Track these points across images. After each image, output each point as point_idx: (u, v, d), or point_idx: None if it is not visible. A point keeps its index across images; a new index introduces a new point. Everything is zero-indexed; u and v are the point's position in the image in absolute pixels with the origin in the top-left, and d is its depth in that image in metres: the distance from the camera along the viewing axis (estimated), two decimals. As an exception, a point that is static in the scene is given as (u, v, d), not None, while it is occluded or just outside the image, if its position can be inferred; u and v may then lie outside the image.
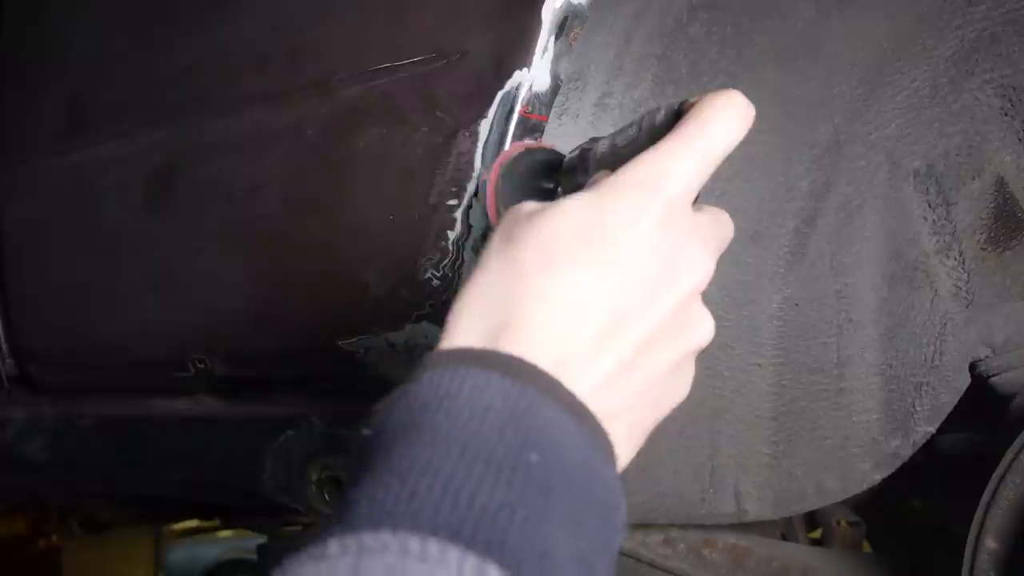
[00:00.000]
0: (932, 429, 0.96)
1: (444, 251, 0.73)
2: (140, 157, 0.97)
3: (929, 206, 0.94)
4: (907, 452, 0.97)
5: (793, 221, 0.91)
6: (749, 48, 0.84)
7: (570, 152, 0.60)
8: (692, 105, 0.50)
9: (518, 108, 0.70)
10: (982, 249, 0.96)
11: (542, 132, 0.72)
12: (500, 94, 0.71)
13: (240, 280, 0.88)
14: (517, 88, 0.71)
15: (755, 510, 0.97)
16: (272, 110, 0.85)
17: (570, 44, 0.71)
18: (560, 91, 0.72)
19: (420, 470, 0.39)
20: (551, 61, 0.71)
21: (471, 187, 0.72)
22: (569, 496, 0.41)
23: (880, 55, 0.88)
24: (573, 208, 0.48)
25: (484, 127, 0.71)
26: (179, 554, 2.95)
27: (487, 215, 0.65)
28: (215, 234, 0.90)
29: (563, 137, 0.75)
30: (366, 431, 0.44)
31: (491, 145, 0.71)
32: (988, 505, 0.88)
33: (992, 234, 0.96)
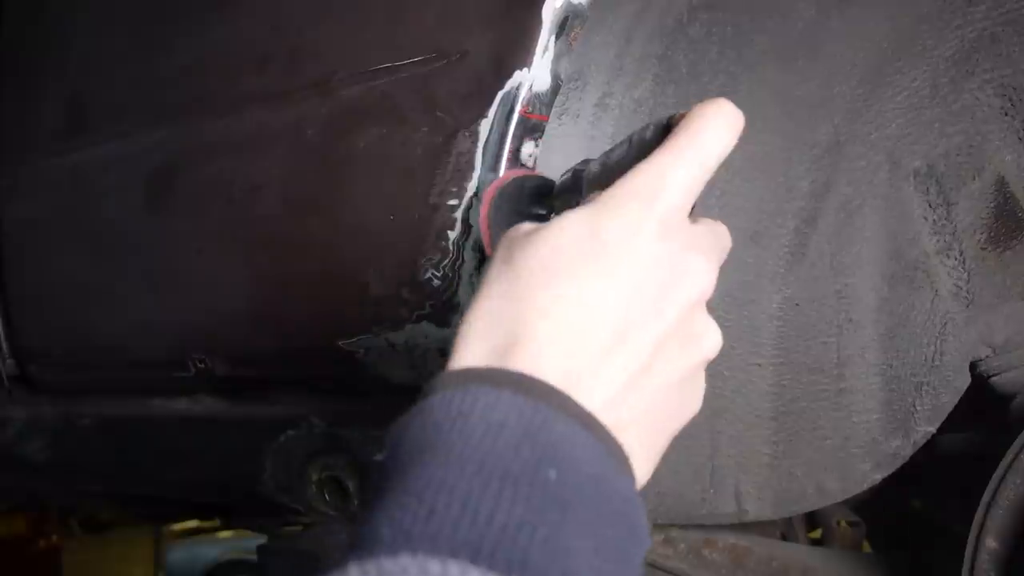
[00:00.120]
0: (932, 429, 0.96)
1: (444, 251, 0.72)
2: (140, 157, 0.97)
3: (929, 206, 0.94)
4: (907, 452, 0.96)
5: (793, 221, 0.91)
6: (749, 48, 0.84)
7: (562, 175, 0.60)
8: (681, 118, 0.50)
9: (518, 108, 0.70)
10: (982, 249, 0.96)
11: (542, 132, 0.72)
12: (500, 94, 0.71)
13: (240, 280, 0.88)
14: (517, 88, 0.71)
15: (755, 510, 0.97)
16: (272, 110, 0.85)
17: (570, 44, 0.71)
18: (560, 91, 0.72)
19: (436, 488, 0.38)
20: (551, 61, 0.71)
21: (471, 187, 0.72)
22: (587, 511, 0.40)
23: (880, 55, 0.88)
24: (571, 224, 0.48)
25: (484, 127, 0.71)
26: (179, 554, 2.95)
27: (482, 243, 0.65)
28: (215, 234, 0.90)
29: (563, 137, 0.75)
30: (379, 456, 0.43)
31: (491, 145, 0.71)
32: (988, 505, 0.88)
33: (992, 234, 0.96)
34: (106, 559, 2.85)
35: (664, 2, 0.78)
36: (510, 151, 0.70)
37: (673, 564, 1.09)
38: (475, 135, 0.72)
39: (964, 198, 0.95)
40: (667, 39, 0.79)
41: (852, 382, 0.95)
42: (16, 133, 1.13)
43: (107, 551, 2.86)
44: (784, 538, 1.19)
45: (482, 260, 0.71)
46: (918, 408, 0.96)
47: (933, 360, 0.96)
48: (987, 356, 0.98)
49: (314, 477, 0.92)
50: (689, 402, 0.51)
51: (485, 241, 0.64)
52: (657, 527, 1.11)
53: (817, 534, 1.26)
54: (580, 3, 0.71)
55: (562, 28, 0.71)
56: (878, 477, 0.97)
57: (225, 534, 2.94)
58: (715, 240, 0.51)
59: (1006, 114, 0.93)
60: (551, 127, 0.73)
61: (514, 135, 0.70)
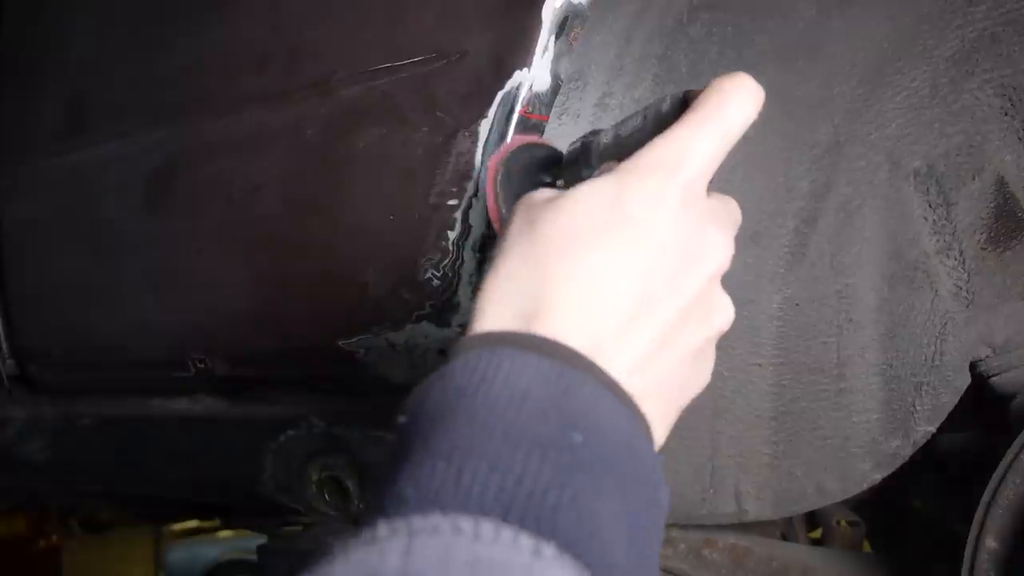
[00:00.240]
0: (932, 429, 0.96)
1: (444, 251, 0.72)
2: (140, 157, 0.97)
3: (929, 206, 0.94)
4: (907, 452, 0.96)
5: (793, 221, 0.91)
6: (749, 48, 0.84)
7: (570, 145, 0.59)
8: (698, 93, 0.50)
9: (518, 108, 0.70)
10: (982, 249, 0.96)
11: (542, 132, 0.72)
12: (500, 94, 0.71)
13: (240, 280, 0.88)
14: (517, 88, 0.71)
15: (755, 510, 0.97)
16: (272, 110, 0.85)
17: (570, 44, 0.71)
18: (560, 91, 0.72)
19: (464, 452, 0.38)
20: (551, 61, 0.71)
21: (471, 187, 0.72)
22: (613, 476, 0.40)
23: (880, 55, 0.88)
24: (595, 192, 0.48)
25: (484, 127, 0.71)
26: (179, 554, 2.95)
27: (487, 210, 0.64)
28: (215, 234, 0.90)
29: (563, 137, 0.75)
30: (401, 419, 0.43)
31: (491, 145, 0.71)
32: (988, 505, 0.88)
33: (992, 234, 0.96)
34: (106, 559, 2.85)
35: (664, 2, 0.78)
36: (510, 151, 0.70)
37: (673, 564, 1.09)
38: (475, 135, 0.71)
39: (964, 198, 0.95)
40: (667, 39, 0.79)
41: (852, 382, 0.95)
42: (16, 133, 1.13)
43: (107, 551, 2.86)
44: (784, 538, 1.19)
45: (482, 260, 0.71)
46: (918, 408, 0.96)
47: (933, 360, 0.96)
48: (987, 356, 0.97)
49: (314, 477, 0.92)
50: (701, 374, 0.51)
51: (490, 205, 0.62)
52: (657, 527, 1.10)
53: (817, 534, 1.26)
54: (580, 3, 0.71)
55: (562, 28, 0.71)
56: (878, 477, 0.97)
57: (225, 534, 2.94)
58: (729, 215, 0.52)
59: (1006, 114, 0.93)
60: (551, 127, 0.73)
61: (514, 135, 0.70)
